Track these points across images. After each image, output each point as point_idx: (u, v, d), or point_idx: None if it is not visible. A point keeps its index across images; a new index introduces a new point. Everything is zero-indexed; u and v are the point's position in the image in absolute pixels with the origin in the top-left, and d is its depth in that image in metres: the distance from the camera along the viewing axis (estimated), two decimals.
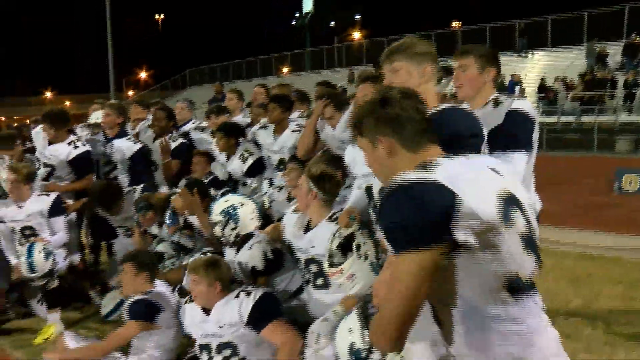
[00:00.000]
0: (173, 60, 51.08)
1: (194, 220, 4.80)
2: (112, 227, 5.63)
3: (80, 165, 5.71)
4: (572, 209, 9.31)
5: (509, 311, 1.68)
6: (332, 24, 49.87)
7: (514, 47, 27.01)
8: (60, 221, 5.31)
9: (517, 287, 1.68)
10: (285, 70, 40.14)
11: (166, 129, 5.96)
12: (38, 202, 5.23)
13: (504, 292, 1.67)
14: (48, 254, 4.96)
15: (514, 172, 2.70)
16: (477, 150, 2.36)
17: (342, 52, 37.29)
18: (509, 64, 23.74)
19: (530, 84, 23.36)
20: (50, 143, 5.74)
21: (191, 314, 3.63)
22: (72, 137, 5.75)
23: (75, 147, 5.68)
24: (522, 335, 1.68)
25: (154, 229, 5.18)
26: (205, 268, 3.46)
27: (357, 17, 48.21)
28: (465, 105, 2.83)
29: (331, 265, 2.91)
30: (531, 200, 2.01)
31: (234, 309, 3.38)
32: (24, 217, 5.23)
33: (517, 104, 2.95)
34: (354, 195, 3.22)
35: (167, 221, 5.00)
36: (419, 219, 1.56)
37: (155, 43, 55.52)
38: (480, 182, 1.65)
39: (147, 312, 3.79)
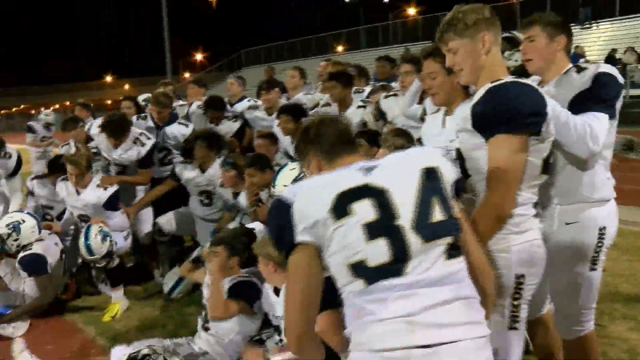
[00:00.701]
0: (227, 40, 51.51)
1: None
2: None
3: (146, 160, 5.71)
4: None
5: (362, 298, 1.79)
6: (386, 0, 49.14)
7: (576, 17, 25.97)
8: (115, 214, 5.35)
9: (364, 275, 1.77)
10: (339, 48, 39.89)
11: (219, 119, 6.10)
12: (95, 194, 5.25)
13: (354, 280, 1.79)
14: (105, 236, 4.99)
15: (596, 135, 2.57)
16: (537, 129, 2.27)
17: (397, 28, 36.76)
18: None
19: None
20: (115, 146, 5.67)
21: (266, 293, 3.63)
22: (135, 134, 5.64)
23: (142, 144, 5.63)
24: (365, 320, 1.78)
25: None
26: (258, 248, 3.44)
27: None
28: (533, 80, 2.72)
29: None
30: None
31: None
32: (80, 206, 5.32)
33: (605, 67, 2.76)
34: None
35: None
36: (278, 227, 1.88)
37: (209, 23, 56.06)
38: (317, 187, 1.88)
39: (251, 294, 3.75)
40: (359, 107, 5.00)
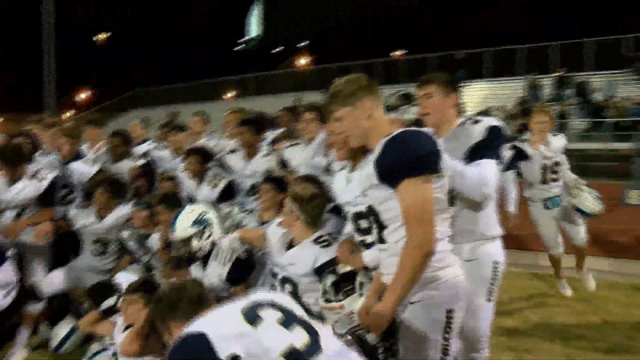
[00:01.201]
0: (117, 80, 50.05)
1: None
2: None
3: (46, 196, 5.12)
4: None
5: None
6: (278, 49, 50.24)
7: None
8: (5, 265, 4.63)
9: (298, 357, 1.90)
10: (229, 94, 40.06)
11: (124, 154, 5.95)
12: None
13: None
14: None
15: (487, 181, 2.97)
16: (436, 167, 2.54)
17: (286, 77, 37.55)
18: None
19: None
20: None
21: None
22: (32, 168, 5.12)
23: (42, 179, 5.08)
24: None
25: None
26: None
27: (304, 43, 48.79)
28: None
29: (328, 300, 2.97)
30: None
31: None
32: None
33: (495, 120, 3.16)
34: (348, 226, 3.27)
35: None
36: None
37: (98, 62, 54.34)
38: (221, 314, 2.03)
39: None
40: (265, 154, 5.19)
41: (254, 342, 1.90)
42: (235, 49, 48.88)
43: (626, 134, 17.82)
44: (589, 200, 5.67)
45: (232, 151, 5.45)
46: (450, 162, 2.83)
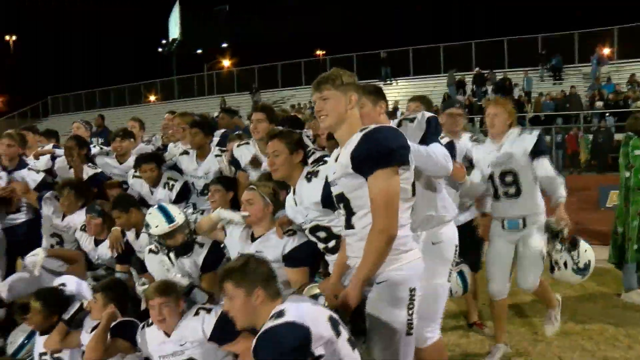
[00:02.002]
0: (30, 86, 47.94)
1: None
2: None
3: None
4: None
5: None
6: (199, 51, 49.59)
7: (379, 74, 28.66)
8: None
9: None
10: (152, 98, 39.28)
11: (82, 158, 5.78)
12: None
13: None
14: None
15: (446, 155, 3.24)
16: (405, 159, 2.77)
17: (212, 79, 37.22)
18: None
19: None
20: None
21: (151, 336, 3.68)
22: None
23: None
24: None
25: None
26: (170, 289, 3.60)
27: (224, 45, 48.41)
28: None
29: None
30: None
31: (197, 326, 3.52)
32: None
33: (428, 113, 3.41)
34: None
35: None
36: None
37: (6, 66, 51.85)
38: (314, 313, 2.53)
39: (133, 332, 3.83)
40: (216, 155, 5.24)
41: (334, 350, 2.45)
42: (159, 50, 47.72)
43: (547, 127, 18.70)
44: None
45: (184, 153, 5.44)
46: (416, 146, 3.06)
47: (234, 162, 5.06)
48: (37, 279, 5.13)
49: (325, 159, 3.47)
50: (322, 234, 3.50)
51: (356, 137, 2.79)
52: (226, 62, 43.46)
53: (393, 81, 28.24)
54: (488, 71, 25.13)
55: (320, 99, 2.88)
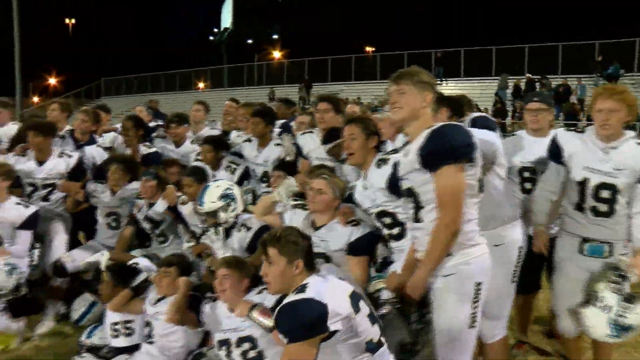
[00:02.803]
0: (85, 67, 49.18)
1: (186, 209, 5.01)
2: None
3: (76, 171, 5.57)
4: None
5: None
6: (250, 41, 50.04)
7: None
8: (26, 235, 5.02)
9: (372, 348, 2.73)
10: (201, 85, 39.84)
11: (137, 137, 5.98)
12: (16, 211, 4.98)
13: (365, 353, 2.71)
14: (12, 269, 4.68)
15: None
16: (471, 156, 2.83)
17: (262, 70, 37.52)
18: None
19: None
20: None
21: (215, 310, 3.82)
22: (57, 150, 5.58)
23: (69, 156, 5.56)
24: None
25: None
26: (238, 266, 3.73)
27: (275, 36, 48.73)
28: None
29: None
30: None
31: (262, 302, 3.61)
32: None
33: (476, 113, 3.68)
34: None
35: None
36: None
37: (65, 48, 53.33)
38: (334, 291, 2.69)
39: (198, 308, 3.98)
40: (277, 144, 5.37)
41: (352, 326, 2.63)
42: (210, 39, 48.41)
43: None
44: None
45: (247, 140, 5.59)
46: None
47: (297, 149, 5.17)
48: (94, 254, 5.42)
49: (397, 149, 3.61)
50: (387, 220, 3.62)
51: (424, 134, 2.89)
52: (276, 54, 43.75)
53: (444, 81, 27.98)
54: (539, 77, 24.63)
55: (397, 92, 2.97)
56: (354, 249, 3.73)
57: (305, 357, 2.55)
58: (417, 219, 3.01)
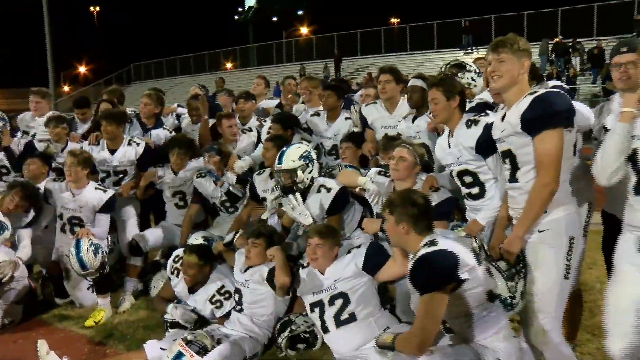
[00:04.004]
0: (113, 54, 49.76)
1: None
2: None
3: (144, 158, 5.76)
4: None
5: (491, 310, 2.95)
6: (275, 19, 49.84)
7: (460, 43, 28.16)
8: (106, 218, 5.35)
9: (491, 298, 2.97)
10: (229, 65, 39.87)
11: (205, 113, 6.17)
12: (96, 195, 5.27)
13: (486, 303, 2.92)
14: (97, 249, 4.97)
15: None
16: (570, 122, 3.01)
17: (291, 47, 37.42)
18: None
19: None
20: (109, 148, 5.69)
21: (307, 275, 4.03)
22: (127, 136, 5.81)
23: (137, 143, 5.75)
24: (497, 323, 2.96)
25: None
26: (330, 234, 3.93)
27: (300, 12, 48.48)
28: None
29: None
30: None
31: (350, 262, 3.85)
32: (76, 207, 5.28)
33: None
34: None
35: (213, 178, 5.40)
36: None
37: (92, 36, 53.88)
38: (459, 245, 2.92)
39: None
40: (347, 118, 5.49)
41: (475, 276, 2.87)
42: (235, 17, 48.44)
43: None
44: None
45: (315, 114, 5.69)
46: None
47: (362, 120, 5.28)
48: (170, 233, 5.71)
49: (487, 111, 3.79)
50: (468, 179, 3.77)
51: (527, 100, 3.01)
52: (304, 30, 43.55)
53: (475, 50, 27.58)
54: (571, 40, 24.05)
55: (496, 61, 3.08)
56: (435, 213, 3.74)
57: (441, 304, 2.79)
58: (513, 179, 3.17)
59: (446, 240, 2.93)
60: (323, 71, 30.26)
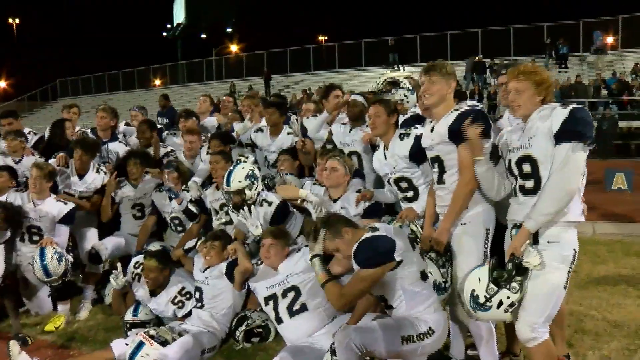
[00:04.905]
0: (36, 69, 48.23)
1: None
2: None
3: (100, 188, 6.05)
4: None
5: (424, 287, 3.51)
6: (204, 36, 49.71)
7: (386, 61, 29.34)
8: (66, 229, 5.58)
9: (424, 277, 3.53)
10: (157, 82, 39.56)
11: (151, 138, 6.58)
12: (56, 206, 5.51)
13: (419, 281, 3.48)
14: (60, 257, 5.22)
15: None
16: (488, 133, 3.53)
17: (220, 64, 37.58)
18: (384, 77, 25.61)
19: None
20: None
21: (261, 272, 4.58)
22: (95, 163, 6.05)
23: (105, 172, 6.02)
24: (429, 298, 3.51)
25: None
26: (281, 235, 4.52)
27: (229, 29, 48.56)
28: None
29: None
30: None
31: (300, 259, 4.40)
32: (36, 217, 5.48)
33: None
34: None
35: (172, 195, 5.76)
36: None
37: (10, 50, 51.89)
38: (396, 232, 3.53)
39: None
40: (289, 133, 5.96)
41: (410, 257, 3.46)
42: (163, 34, 47.98)
43: None
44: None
45: (258, 130, 6.14)
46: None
47: (302, 130, 5.86)
48: (125, 243, 6.04)
49: (416, 125, 4.37)
50: (404, 184, 4.36)
51: (453, 115, 3.62)
52: (233, 47, 43.74)
53: (401, 67, 28.78)
54: (490, 59, 25.50)
55: (428, 82, 3.69)
56: (368, 213, 4.55)
57: (372, 278, 3.35)
58: (440, 181, 3.78)
59: (387, 228, 3.54)
60: (248, 90, 30.39)
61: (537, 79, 3.24)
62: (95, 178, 5.97)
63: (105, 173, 6.03)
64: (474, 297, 3.28)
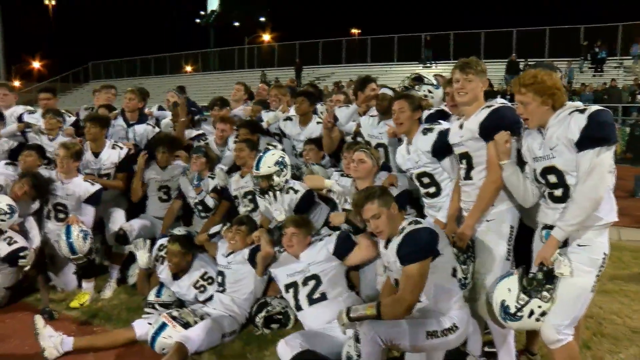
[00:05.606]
0: (70, 51, 48.85)
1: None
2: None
3: (124, 163, 6.11)
4: None
5: (453, 283, 3.49)
6: (237, 24, 49.91)
7: (419, 57, 29.15)
8: (92, 209, 5.65)
9: (454, 273, 3.51)
10: (189, 68, 39.87)
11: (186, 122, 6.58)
12: (83, 186, 5.60)
13: (450, 277, 3.45)
14: (86, 235, 5.34)
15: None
16: (518, 131, 3.52)
17: (252, 53, 37.69)
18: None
19: None
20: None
21: (283, 259, 4.61)
22: (111, 140, 6.15)
23: (121, 147, 6.09)
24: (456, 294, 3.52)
25: None
26: (304, 224, 4.55)
27: (262, 19, 48.69)
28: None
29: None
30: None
31: (322, 248, 4.44)
32: (63, 194, 5.58)
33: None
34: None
35: (195, 182, 5.79)
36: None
37: (47, 32, 52.62)
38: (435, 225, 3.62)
39: None
40: (318, 122, 5.93)
41: (448, 252, 3.48)
42: (196, 21, 48.31)
43: None
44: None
45: (287, 119, 6.15)
46: None
47: (335, 120, 5.74)
48: (151, 225, 6.11)
49: (440, 120, 4.35)
50: (426, 180, 4.33)
51: (484, 112, 3.63)
52: (266, 37, 43.83)
53: (433, 64, 28.58)
54: (523, 59, 25.11)
55: (464, 80, 3.67)
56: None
57: (425, 272, 3.32)
58: (468, 177, 3.79)
59: (427, 220, 3.54)
60: (275, 82, 30.33)
61: (538, 88, 3.20)
62: (110, 154, 6.02)
63: (121, 148, 6.07)
64: (504, 307, 3.25)
